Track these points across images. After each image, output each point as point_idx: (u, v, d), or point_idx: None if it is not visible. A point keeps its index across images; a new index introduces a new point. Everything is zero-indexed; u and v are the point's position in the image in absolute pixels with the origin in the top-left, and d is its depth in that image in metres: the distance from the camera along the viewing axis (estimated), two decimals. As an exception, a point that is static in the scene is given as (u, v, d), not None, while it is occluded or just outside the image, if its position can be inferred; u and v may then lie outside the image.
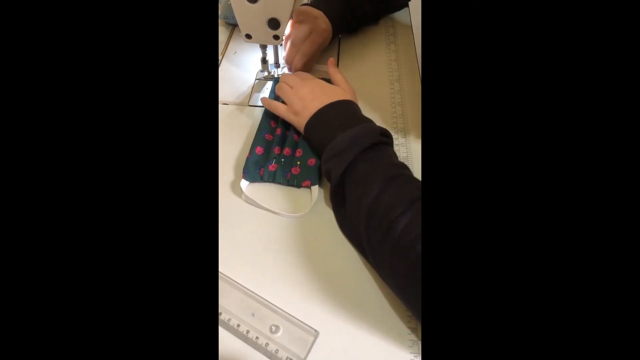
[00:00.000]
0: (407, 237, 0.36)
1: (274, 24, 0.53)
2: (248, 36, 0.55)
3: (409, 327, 0.39)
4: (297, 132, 0.54)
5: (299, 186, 0.50)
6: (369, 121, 0.48)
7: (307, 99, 0.52)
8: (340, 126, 0.46)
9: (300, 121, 0.51)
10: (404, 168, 0.43)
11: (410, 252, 0.35)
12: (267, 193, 0.50)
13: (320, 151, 0.48)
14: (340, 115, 0.48)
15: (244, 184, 0.50)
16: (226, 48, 0.70)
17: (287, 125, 0.56)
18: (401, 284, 0.37)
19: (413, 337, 0.39)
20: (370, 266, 0.43)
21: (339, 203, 0.46)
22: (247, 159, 0.51)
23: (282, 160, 0.51)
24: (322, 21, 0.62)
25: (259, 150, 0.52)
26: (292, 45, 0.61)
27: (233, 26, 0.74)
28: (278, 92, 0.56)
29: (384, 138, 0.46)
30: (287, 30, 0.62)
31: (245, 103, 0.61)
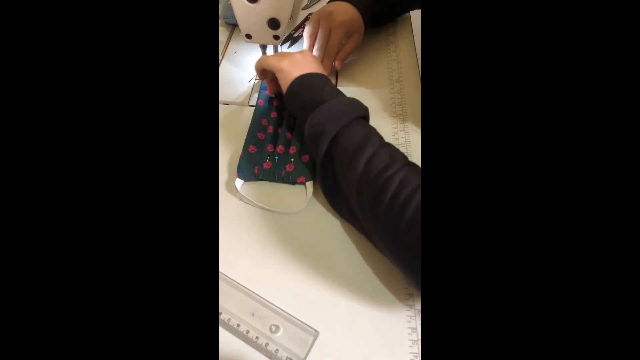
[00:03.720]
0: (401, 196, 0.36)
1: (274, 24, 0.53)
2: (248, 36, 0.56)
3: (409, 327, 0.39)
4: (290, 129, 0.54)
5: (293, 183, 0.50)
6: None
7: (298, 61, 0.51)
8: (332, 93, 0.47)
9: (287, 76, 0.50)
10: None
11: (404, 211, 0.35)
12: (262, 191, 0.50)
13: (304, 108, 0.48)
14: (330, 85, 0.49)
15: (239, 182, 0.50)
16: (226, 48, 0.70)
17: (279, 123, 0.56)
18: (396, 248, 0.37)
19: (413, 336, 0.39)
20: (369, 266, 0.43)
21: (329, 170, 0.46)
22: (241, 157, 0.52)
23: (276, 157, 0.51)
24: (340, 13, 0.62)
25: (252, 149, 0.53)
26: (319, 49, 0.60)
27: (233, 26, 0.74)
28: (264, 62, 0.54)
29: (367, 115, 0.47)
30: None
31: (245, 103, 0.61)
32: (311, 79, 0.49)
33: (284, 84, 0.50)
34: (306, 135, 0.47)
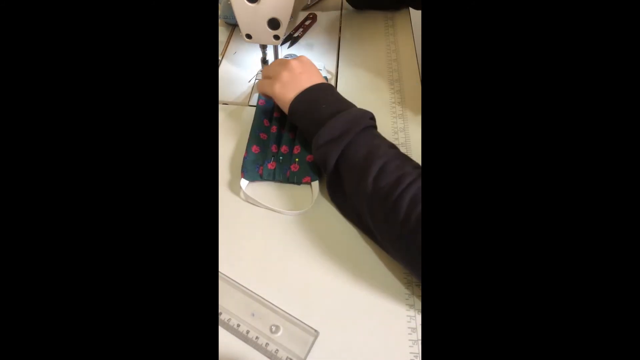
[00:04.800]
0: (411, 218, 0.36)
1: (274, 24, 0.53)
2: (248, 36, 0.56)
3: (409, 327, 0.39)
4: (293, 129, 0.54)
5: (299, 183, 0.50)
6: (352, 105, 0.48)
7: (287, 81, 0.50)
8: (330, 110, 0.46)
9: (283, 101, 0.51)
10: (395, 148, 0.44)
11: (417, 235, 0.36)
12: (267, 191, 0.50)
13: (308, 134, 0.48)
14: (327, 99, 0.48)
15: (244, 183, 0.50)
16: (226, 48, 0.70)
17: (282, 124, 0.56)
18: (412, 266, 0.38)
19: (413, 337, 0.39)
20: (369, 266, 0.43)
21: (338, 188, 0.46)
22: (245, 158, 0.52)
23: (281, 158, 0.51)
24: None
25: (255, 149, 0.52)
26: None
27: (233, 26, 0.74)
28: (261, 90, 0.55)
29: (372, 122, 0.47)
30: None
31: (245, 103, 0.61)
32: (305, 98, 0.49)
33: (284, 108, 0.51)
34: (314, 159, 0.47)
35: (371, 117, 0.46)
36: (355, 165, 0.42)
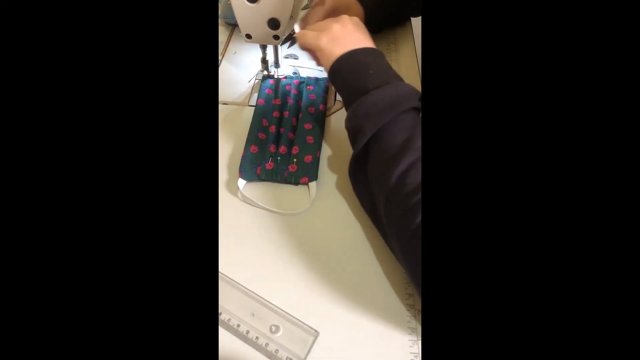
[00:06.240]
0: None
1: (274, 24, 0.53)
2: (248, 36, 0.56)
3: (409, 327, 0.39)
4: (292, 130, 0.54)
5: (296, 183, 0.50)
6: (401, 79, 0.44)
7: (338, 35, 0.45)
8: (377, 79, 0.42)
9: (328, 57, 0.46)
10: None
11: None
12: (265, 192, 0.50)
13: (346, 99, 0.45)
14: (376, 66, 0.43)
15: (241, 183, 0.50)
16: (226, 48, 0.70)
17: (280, 124, 0.56)
18: (412, 265, 0.36)
19: (413, 337, 0.39)
20: (368, 266, 0.43)
21: (360, 166, 0.43)
22: (243, 157, 0.51)
23: (279, 158, 0.51)
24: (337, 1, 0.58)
25: (253, 148, 0.52)
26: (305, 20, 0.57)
27: (233, 26, 0.74)
28: (303, 41, 0.49)
29: (419, 103, 0.41)
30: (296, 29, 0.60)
31: (245, 103, 0.61)
32: (354, 59, 0.44)
33: (325, 65, 0.46)
34: (345, 126, 0.44)
35: (419, 98, 0.41)
36: (388, 149, 0.38)
